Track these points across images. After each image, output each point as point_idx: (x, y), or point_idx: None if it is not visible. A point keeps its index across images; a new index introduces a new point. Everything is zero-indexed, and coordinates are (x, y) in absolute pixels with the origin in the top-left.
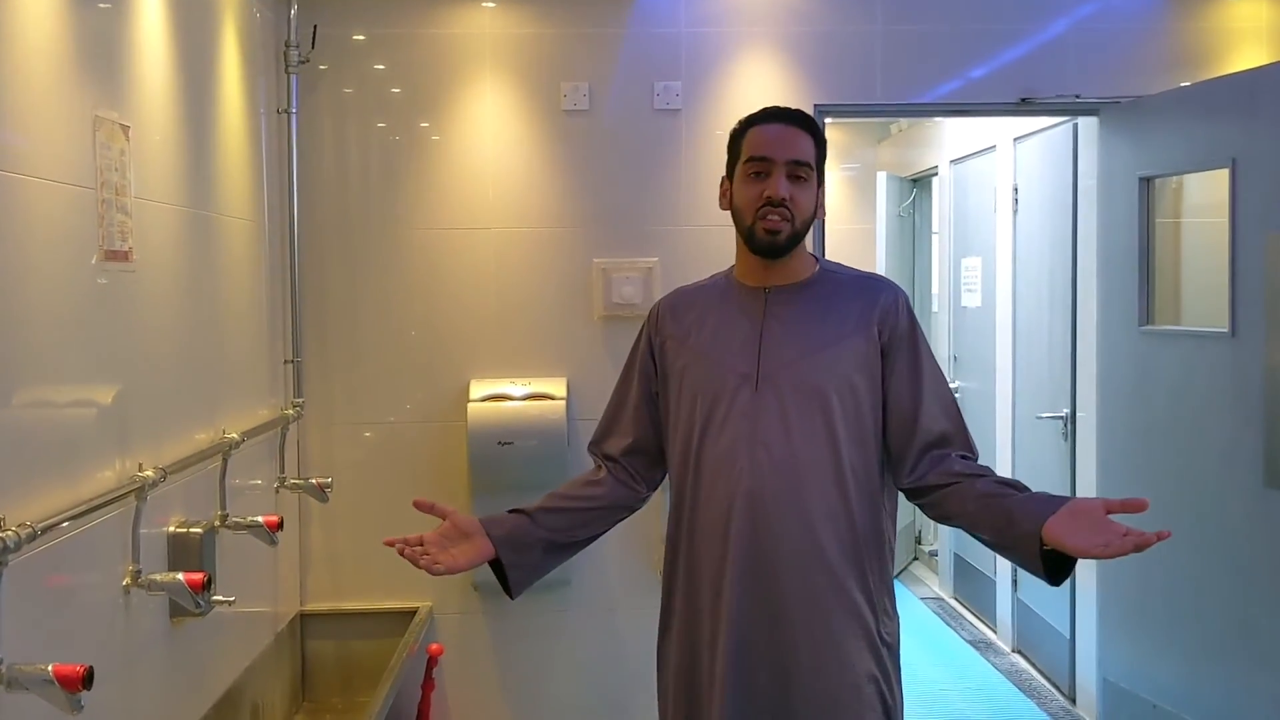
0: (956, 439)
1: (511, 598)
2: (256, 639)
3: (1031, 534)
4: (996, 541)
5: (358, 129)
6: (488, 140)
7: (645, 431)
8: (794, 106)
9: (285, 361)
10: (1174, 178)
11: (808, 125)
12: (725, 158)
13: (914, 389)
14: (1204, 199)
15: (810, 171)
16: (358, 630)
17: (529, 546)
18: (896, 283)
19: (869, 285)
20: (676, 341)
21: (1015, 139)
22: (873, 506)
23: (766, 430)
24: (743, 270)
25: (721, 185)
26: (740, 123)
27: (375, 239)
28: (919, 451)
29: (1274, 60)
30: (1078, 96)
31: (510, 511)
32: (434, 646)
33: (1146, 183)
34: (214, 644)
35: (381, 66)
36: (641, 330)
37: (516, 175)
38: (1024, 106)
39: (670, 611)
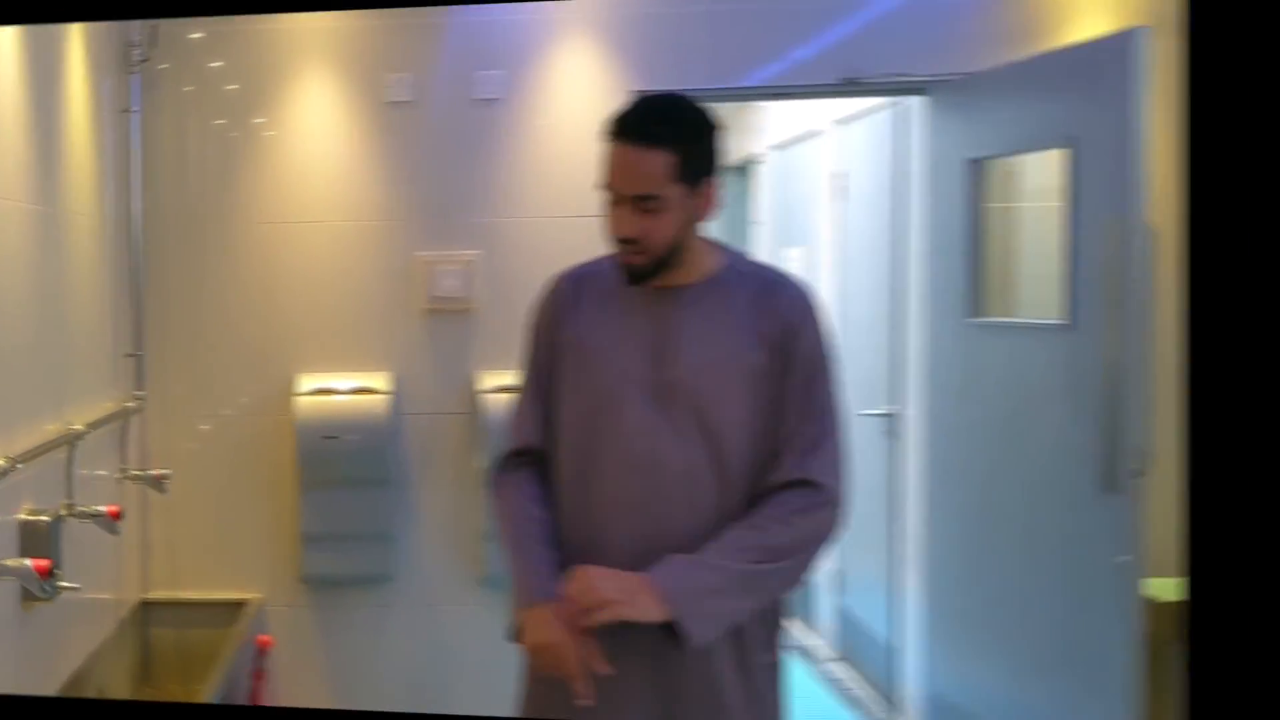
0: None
1: None
2: (101, 626)
3: None
4: None
5: (197, 126)
6: (317, 134)
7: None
8: (636, 93)
9: (126, 355)
10: (1007, 159)
11: (661, 137)
12: (546, 149)
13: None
14: (1040, 182)
15: (659, 201)
16: (196, 619)
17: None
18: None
19: (770, 287)
20: (571, 334)
21: (836, 121)
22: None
23: (660, 448)
24: None
25: None
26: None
27: (215, 234)
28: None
29: (1119, 29)
30: (902, 75)
31: (544, 560)
32: (263, 638)
33: (975, 165)
34: (63, 630)
35: (218, 63)
36: (539, 308)
37: (343, 169)
38: (848, 87)
39: None
